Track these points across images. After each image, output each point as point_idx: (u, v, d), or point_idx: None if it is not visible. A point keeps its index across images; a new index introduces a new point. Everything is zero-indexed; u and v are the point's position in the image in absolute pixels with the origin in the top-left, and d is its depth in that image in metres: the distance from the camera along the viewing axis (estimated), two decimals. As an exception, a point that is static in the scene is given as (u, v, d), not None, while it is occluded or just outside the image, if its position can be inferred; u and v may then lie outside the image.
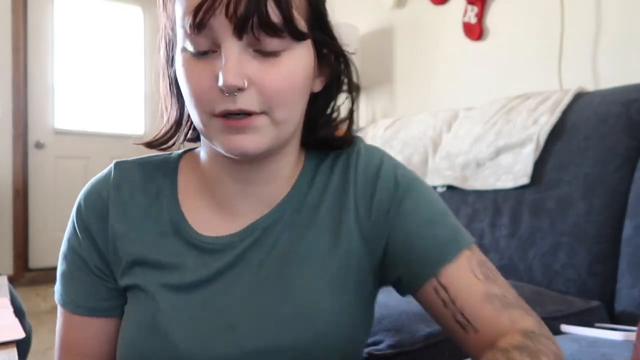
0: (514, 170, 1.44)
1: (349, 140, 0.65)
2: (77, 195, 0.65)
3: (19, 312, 0.84)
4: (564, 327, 0.99)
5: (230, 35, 0.50)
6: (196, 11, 0.50)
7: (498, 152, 1.51)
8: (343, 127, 0.66)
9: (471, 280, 0.56)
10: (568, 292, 1.23)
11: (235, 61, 0.50)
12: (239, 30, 0.50)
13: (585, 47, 1.72)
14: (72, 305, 0.63)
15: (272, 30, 0.50)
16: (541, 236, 1.31)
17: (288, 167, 0.63)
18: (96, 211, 0.62)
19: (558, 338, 0.72)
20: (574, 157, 1.33)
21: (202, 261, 0.60)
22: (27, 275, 3.54)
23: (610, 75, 1.65)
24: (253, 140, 0.53)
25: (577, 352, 0.79)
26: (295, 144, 0.62)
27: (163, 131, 0.66)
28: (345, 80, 0.63)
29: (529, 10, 1.92)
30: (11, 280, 3.10)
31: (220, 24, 0.50)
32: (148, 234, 0.62)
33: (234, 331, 0.57)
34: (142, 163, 0.69)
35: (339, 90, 0.63)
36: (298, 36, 0.53)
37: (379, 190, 0.61)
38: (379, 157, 0.63)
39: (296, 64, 0.54)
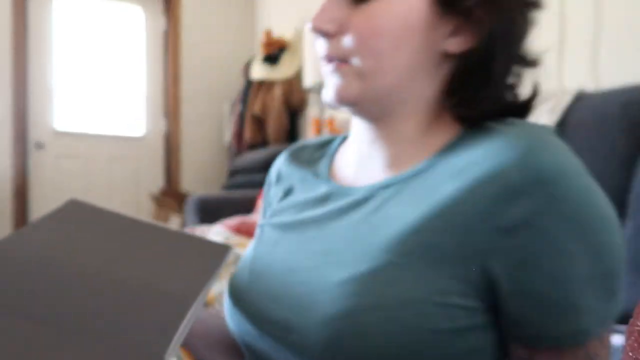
0: (514, 171, 1.44)
1: (512, 114, 0.52)
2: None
3: None
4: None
5: None
6: None
7: (498, 152, 1.51)
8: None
9: None
10: (568, 292, 1.23)
11: (324, 7, 0.51)
12: None
13: (585, 47, 1.72)
14: None
15: None
16: (541, 236, 1.31)
17: (411, 134, 0.54)
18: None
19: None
20: (574, 157, 1.33)
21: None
22: (27, 275, 3.54)
23: (610, 75, 1.65)
24: (337, 86, 0.52)
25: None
26: (416, 108, 0.53)
27: None
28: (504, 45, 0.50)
29: (529, 10, 1.92)
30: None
31: None
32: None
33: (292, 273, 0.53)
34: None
35: (494, 57, 0.50)
36: None
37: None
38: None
39: (387, 10, 0.49)
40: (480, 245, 0.44)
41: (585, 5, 1.72)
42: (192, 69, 3.96)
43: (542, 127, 0.49)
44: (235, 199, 2.59)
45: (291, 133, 3.47)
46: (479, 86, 0.51)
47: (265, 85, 3.50)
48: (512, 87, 0.53)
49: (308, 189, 0.61)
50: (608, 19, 1.67)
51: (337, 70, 0.52)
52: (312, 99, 3.29)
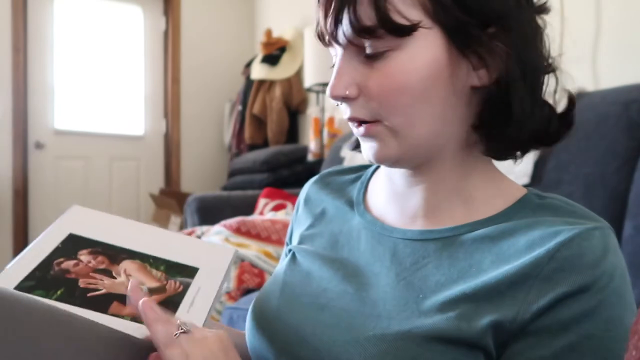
0: (514, 171, 1.44)
1: (550, 139, 0.52)
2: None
3: None
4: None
5: (335, 43, 0.50)
6: (317, 20, 0.50)
7: (498, 152, 1.51)
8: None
9: None
10: (568, 292, 1.23)
11: (339, 71, 0.50)
12: (335, 38, 0.49)
13: (585, 47, 1.72)
14: None
15: (365, 32, 0.46)
16: (541, 236, 1.31)
17: (448, 177, 0.53)
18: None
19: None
20: (574, 157, 1.33)
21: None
22: (27, 275, 3.53)
23: (610, 75, 1.65)
24: (376, 148, 0.51)
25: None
26: (453, 149, 0.52)
27: None
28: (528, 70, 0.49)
29: (529, 10, 1.92)
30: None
31: (327, 31, 0.49)
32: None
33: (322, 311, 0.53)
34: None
35: (518, 83, 0.48)
36: (399, 32, 0.46)
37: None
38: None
39: (405, 66, 0.47)
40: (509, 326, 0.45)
41: (585, 5, 1.72)
42: (191, 69, 3.96)
43: (594, 221, 0.48)
44: (235, 199, 2.59)
45: (291, 133, 3.47)
46: (503, 118, 0.49)
47: (265, 85, 3.50)
48: (547, 106, 0.52)
49: (342, 218, 0.61)
50: (608, 20, 1.67)
51: (369, 132, 0.50)
52: (312, 99, 3.29)
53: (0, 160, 3.40)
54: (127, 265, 0.59)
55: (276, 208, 2.45)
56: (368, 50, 0.48)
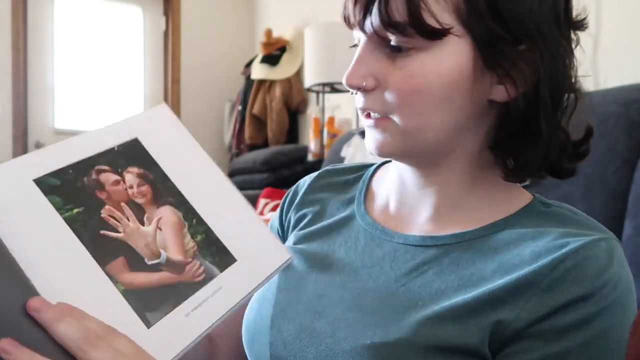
0: (514, 170, 1.44)
1: (565, 172, 0.52)
2: None
3: None
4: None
5: (361, 31, 0.48)
6: (344, 4, 0.49)
7: (498, 152, 1.51)
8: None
9: None
10: (568, 292, 1.23)
11: (359, 59, 0.48)
12: (361, 26, 0.47)
13: (586, 47, 1.72)
14: None
15: (393, 28, 0.45)
16: (541, 236, 1.31)
17: (456, 185, 0.52)
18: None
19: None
20: (574, 157, 1.34)
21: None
22: (27, 275, 3.53)
23: (610, 75, 1.65)
24: (379, 141, 0.50)
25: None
26: (461, 160, 0.52)
27: None
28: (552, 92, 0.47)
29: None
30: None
31: (354, 19, 0.48)
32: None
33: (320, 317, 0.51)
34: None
35: (544, 103, 0.47)
36: (428, 35, 0.45)
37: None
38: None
39: (429, 69, 0.46)
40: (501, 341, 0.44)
41: (585, 5, 1.72)
42: (191, 69, 3.95)
43: (601, 232, 0.47)
44: (235, 199, 2.59)
45: (291, 133, 3.47)
46: (519, 138, 0.48)
47: (265, 85, 3.50)
48: (563, 132, 0.51)
49: (341, 219, 0.60)
50: (608, 20, 1.67)
51: (378, 125, 0.50)
52: (312, 99, 3.29)
53: (0, 161, 3.39)
54: (166, 213, 0.49)
55: (276, 208, 2.45)
56: (393, 44, 0.46)
